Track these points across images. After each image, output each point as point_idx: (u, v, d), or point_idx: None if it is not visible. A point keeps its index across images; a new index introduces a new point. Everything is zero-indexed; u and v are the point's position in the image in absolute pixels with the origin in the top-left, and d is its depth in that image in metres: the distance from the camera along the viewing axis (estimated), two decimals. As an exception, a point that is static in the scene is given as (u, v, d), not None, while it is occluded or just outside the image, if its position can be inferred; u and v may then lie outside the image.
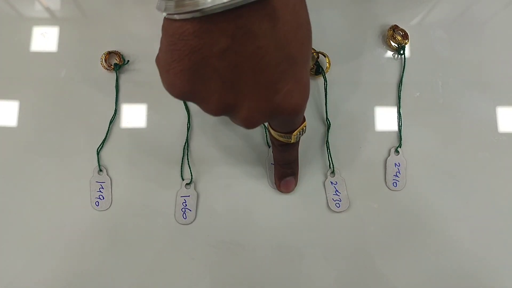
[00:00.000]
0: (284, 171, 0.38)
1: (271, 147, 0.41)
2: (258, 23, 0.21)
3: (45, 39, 0.43)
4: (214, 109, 0.25)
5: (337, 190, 0.40)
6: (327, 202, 0.40)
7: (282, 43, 0.22)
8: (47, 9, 0.44)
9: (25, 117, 0.42)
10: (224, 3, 0.20)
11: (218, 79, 0.23)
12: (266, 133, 0.41)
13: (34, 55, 0.43)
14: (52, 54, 0.43)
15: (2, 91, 0.42)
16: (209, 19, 0.21)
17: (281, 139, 0.31)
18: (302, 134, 0.31)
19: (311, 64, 0.42)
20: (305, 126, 0.31)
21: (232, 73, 0.23)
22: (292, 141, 0.31)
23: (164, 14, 0.22)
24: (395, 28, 0.43)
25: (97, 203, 0.40)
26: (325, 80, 0.42)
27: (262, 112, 0.25)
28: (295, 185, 0.40)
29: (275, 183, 0.40)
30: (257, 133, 0.41)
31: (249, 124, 0.26)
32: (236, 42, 0.22)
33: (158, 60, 0.25)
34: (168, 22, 0.23)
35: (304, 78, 0.25)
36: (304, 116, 0.30)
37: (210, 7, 0.20)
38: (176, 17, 0.21)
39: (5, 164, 0.41)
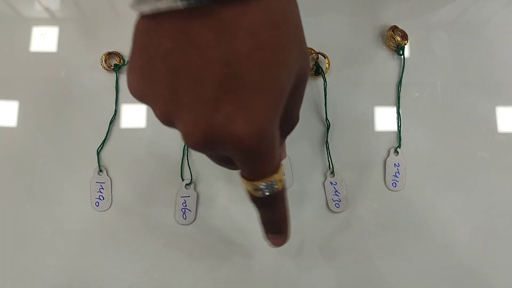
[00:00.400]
0: (266, 228, 0.30)
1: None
2: (200, 32, 0.20)
3: (45, 39, 0.43)
4: (160, 116, 0.23)
5: (336, 191, 0.41)
6: (327, 202, 0.41)
7: (230, 59, 0.20)
8: (47, 9, 0.44)
9: (24, 117, 0.42)
10: (168, 3, 0.19)
11: (163, 83, 0.22)
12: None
13: (33, 55, 0.43)
14: (51, 54, 0.43)
15: (2, 91, 0.42)
16: (157, 18, 0.20)
17: (246, 186, 0.26)
18: (273, 191, 0.25)
19: (310, 65, 0.42)
20: (275, 180, 0.25)
21: (173, 78, 0.21)
22: (256, 195, 0.25)
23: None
24: (394, 28, 0.43)
25: (97, 203, 0.40)
26: (325, 81, 0.42)
27: (201, 130, 0.22)
28: (284, 242, 0.31)
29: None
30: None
31: (189, 140, 0.22)
32: (178, 47, 0.20)
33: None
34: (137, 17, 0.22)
35: (258, 107, 0.21)
36: (280, 168, 0.25)
37: (155, 5, 0.19)
38: (136, 11, 0.21)
39: (5, 164, 0.41)
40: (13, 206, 0.40)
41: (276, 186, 0.25)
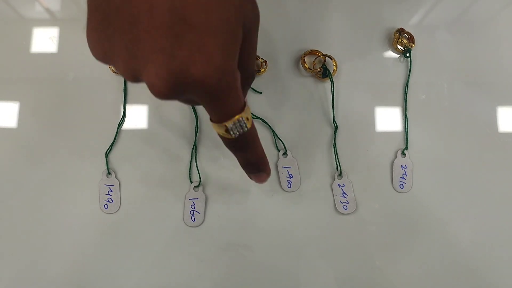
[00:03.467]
0: (247, 170, 0.33)
1: (280, 150, 0.41)
2: None
3: (53, 43, 0.43)
4: (124, 74, 0.24)
5: (344, 193, 0.41)
6: (335, 204, 0.41)
7: (176, 4, 0.21)
8: (47, 10, 0.44)
9: (25, 118, 0.42)
10: None
11: (120, 39, 0.22)
12: (274, 137, 0.42)
13: (34, 56, 0.43)
14: (52, 55, 0.43)
15: (3, 92, 0.42)
16: None
17: (217, 130, 0.27)
18: (243, 129, 0.26)
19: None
20: (242, 118, 0.26)
21: (129, 32, 0.22)
22: (228, 136, 0.27)
23: None
24: (401, 31, 0.43)
25: (106, 206, 0.40)
26: (332, 83, 0.42)
27: (164, 79, 0.22)
28: (268, 177, 0.34)
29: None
30: (266, 136, 0.42)
31: (154, 91, 0.23)
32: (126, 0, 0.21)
33: None
34: None
35: (210, 47, 0.22)
36: (245, 107, 0.26)
37: None
38: None
39: (12, 167, 0.41)
40: (19, 209, 0.40)
41: (245, 125, 0.26)
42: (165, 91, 0.23)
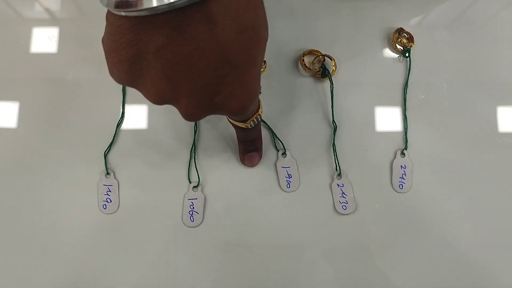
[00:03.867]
0: (246, 147, 0.39)
1: (279, 150, 0.41)
2: (194, 26, 0.21)
3: (52, 42, 0.43)
4: (154, 100, 0.25)
5: (343, 193, 0.41)
6: (334, 205, 0.41)
7: (221, 47, 0.22)
8: (47, 10, 0.44)
9: (25, 119, 0.42)
10: (158, 6, 0.20)
11: (155, 74, 0.24)
12: (273, 137, 0.42)
13: (34, 56, 0.43)
14: (52, 55, 0.43)
15: (2, 92, 0.42)
16: (147, 17, 0.21)
17: (236, 123, 0.32)
18: (257, 122, 0.32)
19: (315, 66, 0.42)
20: (259, 115, 0.31)
21: (169, 70, 0.23)
22: (247, 127, 0.32)
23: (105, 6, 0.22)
24: (400, 31, 0.43)
25: (104, 206, 0.40)
26: (331, 83, 0.42)
27: (202, 109, 0.25)
28: (259, 159, 0.40)
29: (240, 158, 0.41)
30: (265, 137, 0.42)
31: (188, 118, 0.26)
32: (172, 42, 0.22)
33: (103, 42, 0.25)
34: (109, 11, 0.23)
35: (249, 82, 0.25)
36: (259, 104, 0.31)
37: (145, 8, 0.20)
38: (115, 12, 0.22)
39: (12, 167, 0.41)
40: (18, 209, 0.40)
41: (259, 118, 0.32)
42: (200, 117, 0.26)
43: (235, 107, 0.25)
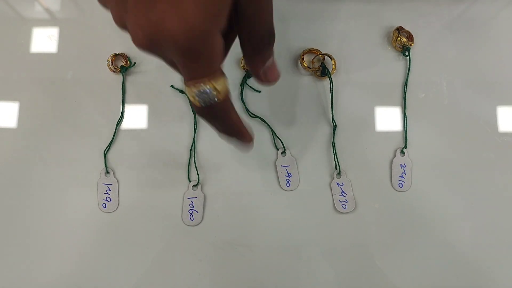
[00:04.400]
0: (226, 138, 0.30)
1: (279, 149, 0.41)
2: None
3: (51, 41, 0.43)
4: (115, 20, 0.25)
5: (343, 191, 0.41)
6: (334, 203, 0.41)
7: None
8: (47, 10, 0.44)
9: (25, 119, 0.42)
10: None
11: None
12: (273, 136, 0.42)
13: (34, 56, 0.43)
14: (52, 55, 0.43)
15: (2, 92, 0.42)
16: None
17: (189, 95, 0.26)
18: (210, 99, 0.25)
19: (314, 63, 0.42)
20: (209, 87, 0.25)
21: None
22: (196, 104, 0.25)
23: None
24: (400, 29, 0.43)
25: (104, 205, 0.40)
26: (331, 82, 0.42)
27: (142, 29, 0.23)
28: (248, 143, 0.30)
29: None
30: (265, 135, 0.42)
31: (135, 41, 0.23)
32: None
33: None
34: None
35: (185, 3, 0.22)
36: (217, 75, 0.25)
37: None
38: None
39: (12, 166, 0.41)
40: (18, 208, 0.40)
41: (213, 96, 0.25)
42: (144, 42, 0.23)
43: (169, 28, 0.22)
